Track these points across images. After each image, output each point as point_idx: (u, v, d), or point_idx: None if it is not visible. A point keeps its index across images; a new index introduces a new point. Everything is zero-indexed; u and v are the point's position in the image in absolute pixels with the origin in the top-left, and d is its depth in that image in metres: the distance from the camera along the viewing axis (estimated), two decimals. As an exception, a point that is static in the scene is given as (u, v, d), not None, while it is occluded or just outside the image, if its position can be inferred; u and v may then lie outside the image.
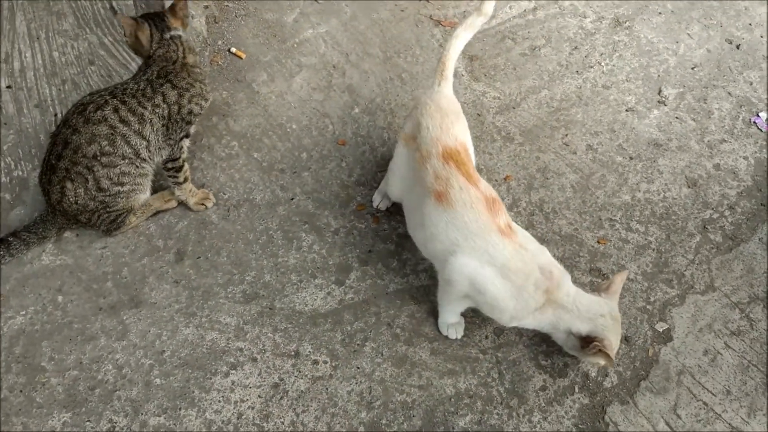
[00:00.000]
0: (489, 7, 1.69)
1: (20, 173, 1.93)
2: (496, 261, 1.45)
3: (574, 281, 1.82)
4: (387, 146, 2.09)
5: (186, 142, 1.82)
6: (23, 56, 2.18)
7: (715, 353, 1.73)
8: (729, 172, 2.11)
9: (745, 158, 2.15)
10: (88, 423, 1.54)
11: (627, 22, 2.51)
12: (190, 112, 1.76)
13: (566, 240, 1.92)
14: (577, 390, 1.65)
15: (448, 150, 1.53)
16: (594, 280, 1.84)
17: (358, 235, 1.89)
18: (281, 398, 1.60)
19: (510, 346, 1.71)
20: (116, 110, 1.66)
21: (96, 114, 1.65)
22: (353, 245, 1.87)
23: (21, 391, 1.57)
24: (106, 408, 1.56)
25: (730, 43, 2.48)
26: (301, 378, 1.63)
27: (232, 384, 1.61)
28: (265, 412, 1.58)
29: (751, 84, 2.35)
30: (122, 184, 1.72)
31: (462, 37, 1.71)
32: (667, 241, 1.94)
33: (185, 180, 1.84)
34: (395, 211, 1.93)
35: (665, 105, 2.27)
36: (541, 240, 1.90)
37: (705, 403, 1.65)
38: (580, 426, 1.60)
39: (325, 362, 1.66)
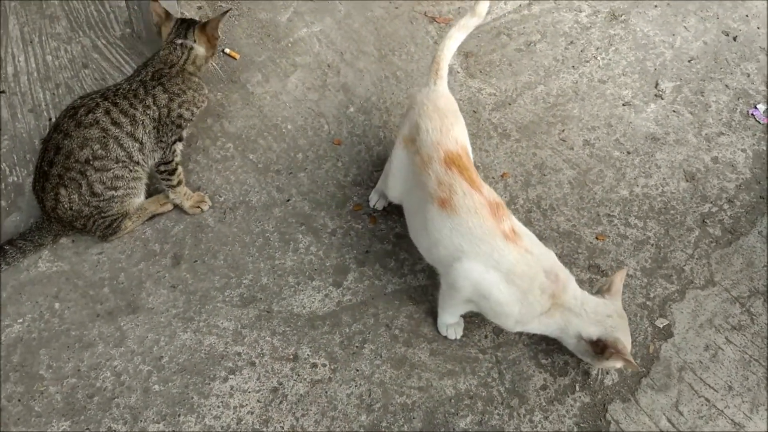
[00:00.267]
0: (483, 8, 1.69)
1: (15, 179, 1.92)
2: (501, 266, 1.44)
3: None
4: (383, 145, 2.07)
5: (179, 146, 1.81)
6: (16, 60, 2.16)
7: (716, 348, 1.72)
8: (727, 165, 2.10)
9: (744, 151, 2.14)
10: (87, 431, 1.53)
11: (623, 16, 2.49)
12: (180, 116, 1.75)
13: (564, 237, 1.91)
14: (578, 388, 1.64)
15: (449, 155, 1.52)
16: (593, 276, 1.84)
17: (355, 236, 1.88)
18: (280, 402, 1.59)
19: (510, 346, 1.70)
20: (108, 112, 1.65)
21: (87, 117, 1.64)
22: (350, 246, 1.86)
23: (19, 401, 1.56)
24: (105, 416, 1.55)
25: (727, 35, 2.46)
26: (300, 381, 1.63)
27: (231, 389, 1.61)
28: (264, 417, 1.57)
29: (749, 76, 2.33)
30: (116, 189, 1.71)
31: (456, 38, 1.71)
32: (666, 236, 1.93)
33: (179, 183, 1.83)
34: (392, 210, 1.92)
35: (662, 98, 2.26)
36: (540, 237, 1.88)
37: (707, 399, 1.64)
38: (581, 425, 1.59)
39: (324, 365, 1.65)
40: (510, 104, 2.21)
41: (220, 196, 1.93)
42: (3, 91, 2.09)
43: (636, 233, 1.93)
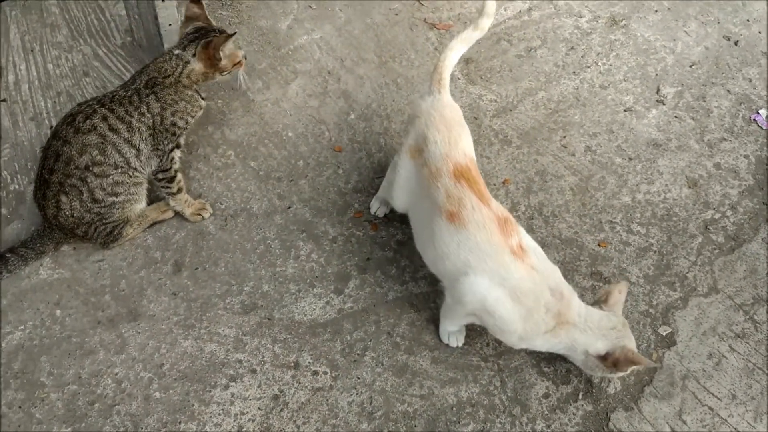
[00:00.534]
0: (485, 23, 1.70)
1: (17, 187, 1.92)
2: (507, 283, 1.43)
3: (575, 285, 1.81)
4: (384, 152, 2.07)
5: (177, 153, 1.81)
6: (17, 69, 2.17)
7: (719, 357, 1.71)
8: (730, 171, 2.09)
9: (746, 157, 2.13)
10: (87, 439, 1.53)
11: (623, 21, 2.49)
12: (174, 124, 1.74)
13: (566, 244, 1.90)
14: (580, 397, 1.63)
15: (459, 168, 1.51)
16: (595, 284, 1.83)
17: (356, 243, 1.88)
18: (281, 410, 1.59)
19: (512, 354, 1.69)
20: (105, 119, 1.66)
21: (85, 123, 1.65)
22: (351, 253, 1.85)
23: (20, 407, 1.56)
24: (106, 423, 1.55)
25: (728, 39, 2.46)
26: (301, 389, 1.62)
27: (232, 396, 1.60)
28: (265, 425, 1.57)
29: (750, 81, 2.33)
30: (117, 195, 1.71)
31: (457, 50, 1.71)
32: (669, 243, 1.92)
33: (179, 191, 1.83)
34: (393, 217, 1.92)
35: (664, 104, 2.25)
36: (542, 244, 1.88)
37: (710, 408, 1.63)
38: (583, 433, 1.58)
39: (325, 373, 1.65)
40: (511, 110, 2.20)
41: (221, 204, 1.94)
42: (4, 100, 2.10)
43: (638, 240, 1.92)
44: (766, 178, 2.07)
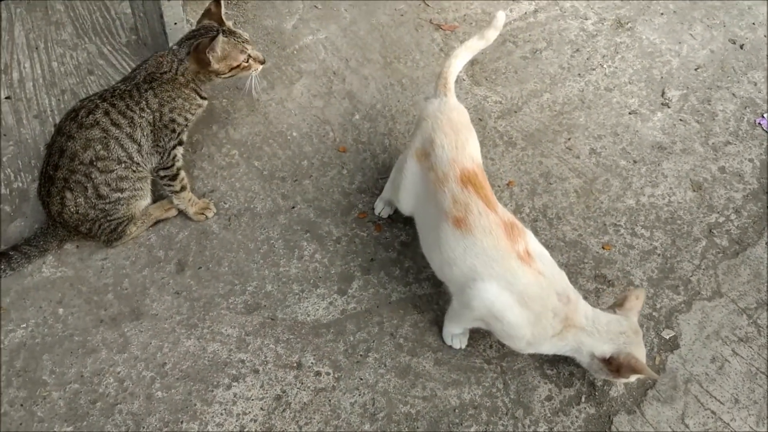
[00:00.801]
0: (492, 35, 1.72)
1: (20, 185, 1.92)
2: (515, 288, 1.43)
3: (579, 288, 1.81)
4: (388, 153, 2.07)
5: (180, 150, 1.80)
6: (22, 66, 2.17)
7: (722, 361, 1.71)
8: (734, 174, 2.09)
9: (751, 160, 2.12)
10: (89, 437, 1.53)
11: (629, 23, 2.49)
12: (173, 121, 1.73)
13: (570, 246, 1.90)
14: (583, 400, 1.63)
15: (466, 173, 1.51)
16: (599, 287, 1.82)
17: (360, 244, 1.87)
18: (284, 410, 1.59)
19: (515, 356, 1.68)
20: (107, 113, 1.65)
21: (88, 118, 1.65)
22: (355, 254, 1.85)
23: (22, 405, 1.56)
24: (108, 422, 1.55)
25: (734, 43, 2.45)
26: (304, 390, 1.62)
27: (234, 396, 1.60)
28: (267, 425, 1.56)
29: (756, 84, 2.33)
30: (122, 190, 1.71)
31: (461, 57, 1.73)
32: (673, 246, 1.91)
33: (182, 189, 1.83)
34: (397, 218, 1.91)
35: (669, 107, 2.25)
36: (546, 246, 1.87)
37: (713, 412, 1.63)
38: (586, 436, 1.58)
39: (328, 373, 1.64)
40: (516, 112, 2.20)
41: (225, 203, 1.93)
42: (8, 97, 2.10)
43: (642, 243, 1.92)
44: (770, 183, 2.07)
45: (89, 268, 1.78)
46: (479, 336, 1.71)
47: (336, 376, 1.64)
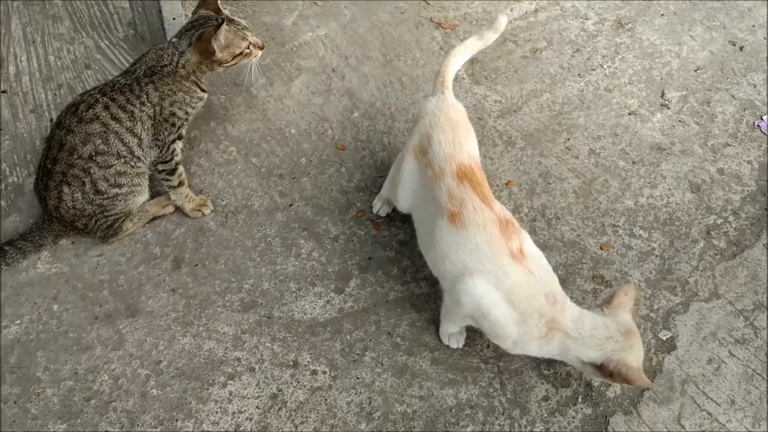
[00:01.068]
0: (491, 37, 1.72)
1: (15, 179, 1.91)
2: (503, 285, 1.42)
3: (577, 289, 1.81)
4: (387, 151, 2.06)
5: (179, 145, 1.79)
6: (18, 60, 2.15)
7: (719, 362, 1.71)
8: (733, 176, 2.09)
9: (749, 162, 2.12)
10: (83, 435, 1.52)
11: (629, 24, 2.48)
12: (173, 114, 1.72)
13: (569, 246, 1.89)
14: (580, 400, 1.63)
15: (462, 168, 1.50)
16: (597, 287, 1.82)
17: (357, 242, 1.86)
18: (280, 409, 1.58)
19: (512, 356, 1.68)
20: (107, 107, 1.64)
21: (88, 113, 1.63)
22: (353, 252, 1.84)
23: (15, 402, 1.55)
24: (102, 419, 1.54)
25: (734, 44, 2.45)
26: (300, 388, 1.61)
27: (230, 395, 1.59)
28: (263, 424, 1.55)
29: (755, 87, 2.32)
30: (120, 186, 1.69)
31: (460, 56, 1.72)
32: (671, 248, 1.91)
33: (180, 184, 1.81)
34: (395, 217, 1.91)
35: (668, 108, 2.25)
36: (544, 247, 1.88)
37: (709, 413, 1.63)
38: (583, 437, 1.58)
39: (324, 372, 1.64)
40: (515, 112, 2.19)
41: (222, 200, 1.92)
42: (4, 91, 2.08)
43: (640, 244, 1.91)
44: (769, 185, 2.07)
45: (84, 264, 1.77)
46: (476, 335, 1.70)
47: (332, 374, 1.63)
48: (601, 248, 1.90)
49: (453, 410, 1.60)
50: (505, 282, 1.42)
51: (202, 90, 1.78)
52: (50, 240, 1.76)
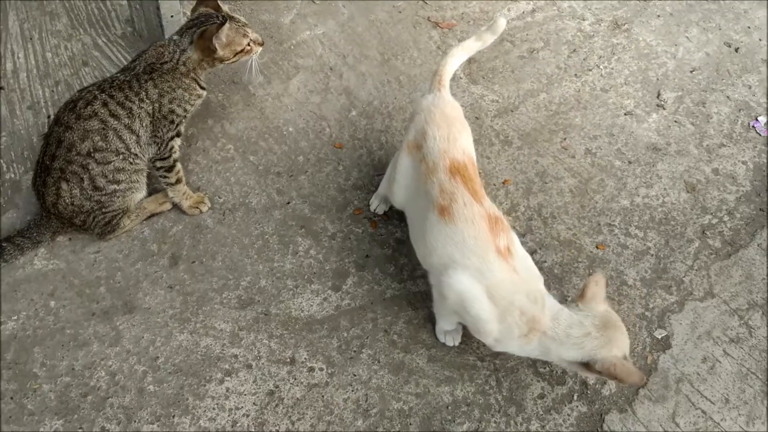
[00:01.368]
0: (489, 38, 1.73)
1: (12, 176, 1.91)
2: (486, 280, 1.42)
3: (572, 288, 1.82)
4: (384, 150, 2.07)
5: (177, 142, 1.79)
6: (16, 57, 2.15)
7: (713, 361, 1.72)
8: (728, 176, 2.10)
9: (744, 163, 2.14)
10: (80, 430, 1.52)
11: (626, 25, 2.50)
12: (172, 112, 1.73)
13: (565, 245, 1.90)
14: (575, 398, 1.64)
15: (455, 164, 1.51)
16: (592, 286, 1.83)
17: (355, 240, 1.87)
18: (276, 406, 1.58)
19: (508, 354, 1.68)
20: (105, 104, 1.64)
21: (86, 109, 1.63)
22: (350, 250, 1.85)
23: (12, 398, 1.55)
24: (99, 415, 1.54)
25: (729, 46, 2.47)
26: (297, 385, 1.61)
27: (227, 391, 1.59)
28: (260, 420, 1.56)
29: (750, 88, 2.34)
30: (118, 182, 1.70)
31: (458, 57, 1.73)
32: (666, 247, 1.93)
33: (178, 181, 1.82)
34: (393, 215, 1.91)
35: (664, 109, 2.26)
36: (540, 245, 1.89)
37: (704, 412, 1.64)
38: (578, 434, 1.58)
39: (321, 369, 1.64)
40: (512, 111, 2.20)
41: (220, 197, 1.92)
42: (2, 88, 2.08)
43: (636, 243, 1.93)
44: (763, 185, 2.08)
45: (82, 260, 1.77)
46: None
47: (329, 371, 1.64)
48: (596, 247, 1.91)
49: (449, 407, 1.61)
50: (488, 277, 1.42)
51: (202, 87, 1.79)
52: (48, 237, 1.76)
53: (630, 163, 2.11)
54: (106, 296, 1.72)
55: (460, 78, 2.27)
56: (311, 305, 1.74)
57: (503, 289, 1.42)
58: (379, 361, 1.66)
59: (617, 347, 1.40)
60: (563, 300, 1.50)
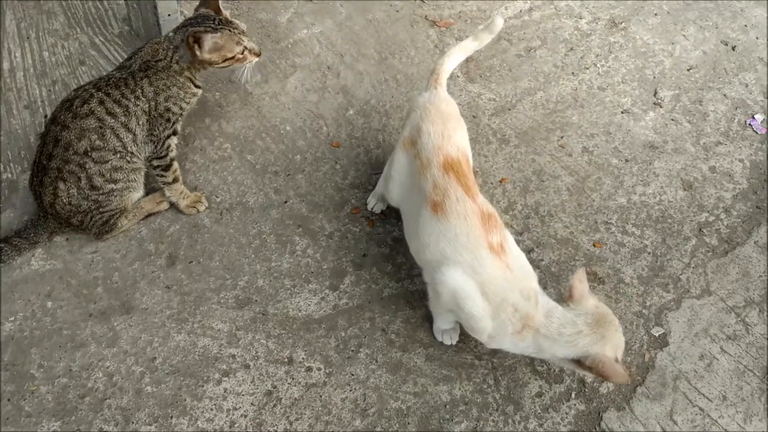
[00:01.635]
0: (486, 38, 1.74)
1: (9, 176, 1.90)
2: (479, 276, 1.42)
3: (570, 286, 1.81)
4: (382, 148, 2.07)
5: (174, 140, 1.79)
6: (12, 56, 2.14)
7: (711, 358, 1.73)
8: (725, 174, 2.11)
9: (741, 161, 2.14)
10: None
11: (623, 23, 2.50)
12: (168, 110, 1.72)
13: (562, 243, 1.91)
14: (573, 396, 1.64)
15: (449, 160, 1.51)
16: (590, 284, 1.83)
17: (352, 239, 1.87)
18: (274, 406, 1.58)
19: (506, 352, 1.69)
20: (102, 102, 1.64)
21: (83, 108, 1.63)
22: (347, 249, 1.85)
23: (9, 400, 1.55)
24: (96, 417, 1.54)
25: (726, 44, 2.47)
26: (295, 385, 1.61)
27: (225, 391, 1.59)
28: (258, 420, 1.56)
29: (747, 86, 2.34)
30: (115, 181, 1.69)
31: (455, 56, 1.74)
32: (663, 245, 1.93)
33: (175, 180, 1.81)
34: (390, 214, 1.91)
35: (661, 107, 2.26)
36: (537, 243, 1.89)
37: (701, 409, 1.64)
38: (576, 432, 1.59)
39: (319, 369, 1.64)
40: (509, 110, 2.20)
41: (217, 197, 1.92)
42: (-1, 87, 2.07)
43: (633, 241, 1.93)
44: (759, 182, 2.09)
45: (79, 261, 1.77)
46: (471, 332, 1.71)
47: (327, 371, 1.64)
48: (594, 245, 1.91)
49: (447, 406, 1.61)
50: (480, 273, 1.42)
51: (197, 86, 1.78)
52: (45, 237, 1.76)
53: (627, 161, 2.11)
54: (104, 297, 1.72)
55: (458, 76, 2.26)
56: (309, 305, 1.74)
57: (496, 286, 1.42)
58: (376, 361, 1.66)
59: (610, 344, 1.40)
60: (560, 298, 1.50)
